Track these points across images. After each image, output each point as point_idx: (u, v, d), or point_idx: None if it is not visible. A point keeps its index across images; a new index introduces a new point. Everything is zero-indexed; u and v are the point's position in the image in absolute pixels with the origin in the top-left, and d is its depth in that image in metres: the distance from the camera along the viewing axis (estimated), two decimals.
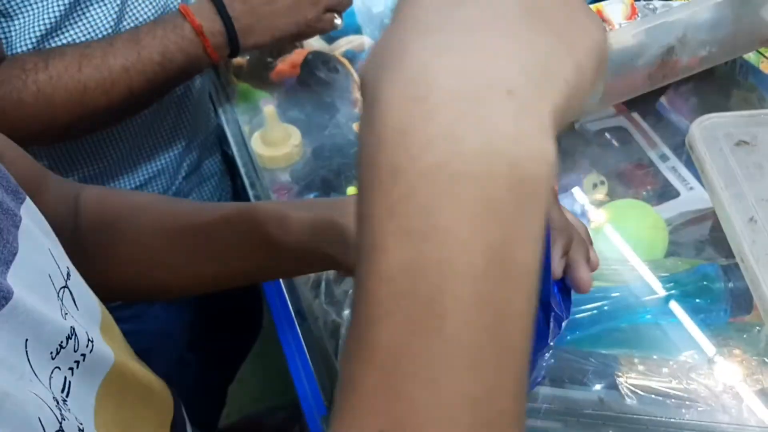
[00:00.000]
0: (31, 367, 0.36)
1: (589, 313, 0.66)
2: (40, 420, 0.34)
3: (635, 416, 0.61)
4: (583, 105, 0.30)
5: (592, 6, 0.79)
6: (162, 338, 1.01)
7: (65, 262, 0.44)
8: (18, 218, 0.40)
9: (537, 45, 0.27)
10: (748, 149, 0.71)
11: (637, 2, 0.80)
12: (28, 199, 0.43)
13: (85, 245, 0.59)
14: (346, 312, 0.75)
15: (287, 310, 0.80)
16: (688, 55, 0.82)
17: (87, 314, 0.45)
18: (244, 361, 1.37)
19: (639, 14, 0.79)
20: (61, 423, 0.35)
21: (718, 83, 0.94)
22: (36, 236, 0.41)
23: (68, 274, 0.44)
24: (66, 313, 0.41)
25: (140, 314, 1.02)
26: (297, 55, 1.06)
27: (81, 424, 0.38)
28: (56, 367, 0.38)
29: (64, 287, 0.42)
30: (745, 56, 0.92)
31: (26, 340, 0.36)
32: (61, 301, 0.42)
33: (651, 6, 0.80)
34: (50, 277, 0.41)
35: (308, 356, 0.74)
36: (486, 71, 0.26)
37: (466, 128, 0.25)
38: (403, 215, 0.25)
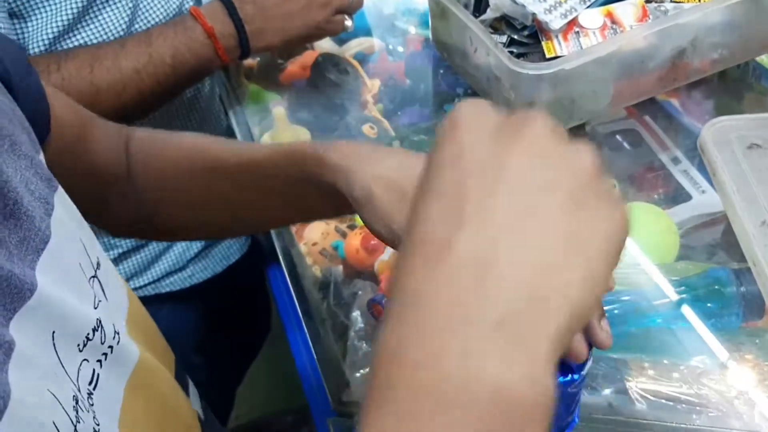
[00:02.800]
0: (59, 359, 0.36)
1: None
2: (54, 424, 0.33)
3: (645, 421, 0.60)
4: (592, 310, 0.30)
5: (603, 8, 0.79)
6: (170, 342, 1.01)
7: (96, 251, 0.44)
8: (51, 206, 0.40)
9: (535, 261, 0.28)
10: (761, 152, 0.70)
11: (648, 4, 0.80)
12: (60, 188, 0.43)
13: (138, 189, 0.61)
14: (354, 314, 0.75)
15: (295, 311, 0.80)
16: (699, 58, 0.81)
17: (115, 305, 0.45)
18: (253, 362, 1.37)
19: (650, 16, 0.79)
20: (75, 426, 0.35)
21: (731, 86, 0.94)
22: (68, 225, 0.42)
23: (98, 264, 0.44)
24: (99, 302, 0.42)
25: None
26: (307, 57, 1.06)
27: (98, 425, 0.38)
28: (84, 359, 0.38)
29: (93, 277, 0.43)
30: (758, 59, 0.91)
31: (53, 332, 0.36)
32: (93, 289, 0.42)
33: (662, 8, 0.80)
34: (81, 266, 0.41)
35: (316, 358, 0.74)
36: (476, 304, 0.27)
37: (450, 357, 0.27)
38: None
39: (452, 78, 0.99)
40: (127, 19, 0.86)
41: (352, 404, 0.65)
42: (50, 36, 0.82)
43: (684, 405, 0.62)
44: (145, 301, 1.05)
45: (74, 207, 0.45)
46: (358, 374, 0.70)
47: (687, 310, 0.67)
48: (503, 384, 0.27)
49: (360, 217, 0.51)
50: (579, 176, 0.30)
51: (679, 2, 0.81)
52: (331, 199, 0.53)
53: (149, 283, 1.01)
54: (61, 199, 0.42)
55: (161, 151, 0.63)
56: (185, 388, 0.55)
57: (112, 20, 0.85)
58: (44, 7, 0.81)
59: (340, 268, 0.82)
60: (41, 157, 0.43)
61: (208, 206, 0.62)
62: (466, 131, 0.31)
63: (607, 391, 0.62)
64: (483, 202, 0.29)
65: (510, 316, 0.27)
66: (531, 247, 0.28)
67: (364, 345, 0.73)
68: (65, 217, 0.42)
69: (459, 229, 0.28)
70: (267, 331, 1.36)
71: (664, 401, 0.62)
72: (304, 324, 0.76)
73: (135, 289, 1.00)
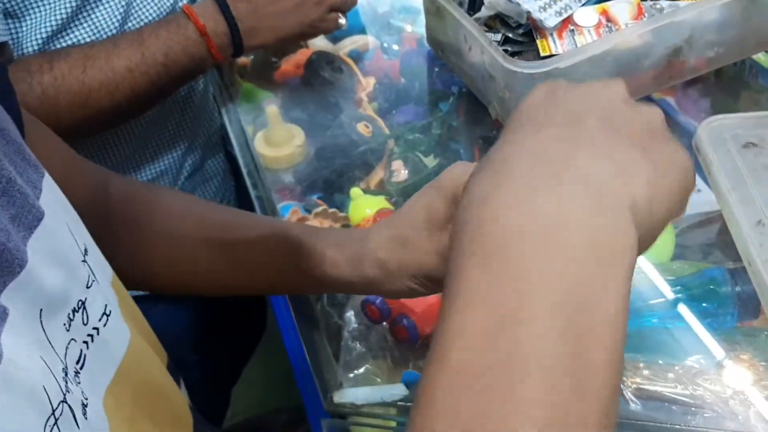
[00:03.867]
0: (46, 336, 0.36)
1: None
2: (44, 388, 0.34)
3: (639, 422, 0.60)
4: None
5: (598, 6, 0.78)
6: (164, 341, 1.00)
7: (83, 239, 0.44)
8: (39, 190, 0.41)
9: (622, 153, 0.32)
10: (756, 151, 0.70)
11: (643, 2, 0.80)
12: (47, 174, 0.43)
13: (117, 236, 0.60)
14: (348, 314, 0.74)
15: (289, 311, 0.80)
16: (695, 56, 0.81)
17: (106, 289, 0.45)
18: (248, 362, 1.37)
19: (645, 14, 0.79)
20: (65, 394, 0.35)
21: (727, 84, 0.93)
22: (55, 209, 0.42)
23: (86, 251, 0.44)
24: (93, 281, 0.42)
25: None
26: (301, 55, 1.06)
27: (86, 399, 0.38)
28: (72, 339, 0.38)
29: (83, 261, 0.43)
30: (755, 57, 0.91)
31: (41, 309, 0.36)
32: (87, 269, 0.42)
33: (658, 6, 0.79)
34: (69, 249, 0.42)
35: (312, 359, 0.73)
36: (567, 162, 0.31)
37: (543, 201, 0.29)
38: (488, 261, 0.28)
39: (447, 76, 0.99)
40: (120, 17, 0.86)
41: (344, 405, 0.65)
42: (44, 35, 0.82)
43: (679, 405, 0.62)
44: (139, 300, 1.05)
45: (61, 193, 0.45)
46: (351, 375, 0.70)
47: (682, 310, 0.67)
48: (595, 226, 0.29)
49: (384, 291, 0.54)
50: (652, 124, 0.34)
51: (675, 0, 0.80)
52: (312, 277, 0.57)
53: None
54: (49, 185, 0.43)
55: (146, 210, 0.62)
56: (177, 384, 0.55)
57: (105, 19, 0.85)
58: (38, 6, 0.80)
59: None
60: (24, 143, 0.43)
61: (189, 274, 0.62)
62: (557, 88, 0.36)
63: None
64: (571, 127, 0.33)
65: (595, 179, 0.30)
66: (612, 155, 0.31)
67: (358, 345, 0.72)
68: (53, 202, 0.42)
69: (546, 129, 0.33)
70: (262, 330, 1.36)
71: (659, 402, 0.62)
72: (297, 324, 0.76)
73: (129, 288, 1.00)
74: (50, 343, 0.36)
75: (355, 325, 0.74)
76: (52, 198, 0.42)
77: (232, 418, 1.47)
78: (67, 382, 0.36)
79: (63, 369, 0.36)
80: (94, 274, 0.44)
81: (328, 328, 0.75)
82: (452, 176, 0.50)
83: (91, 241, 0.46)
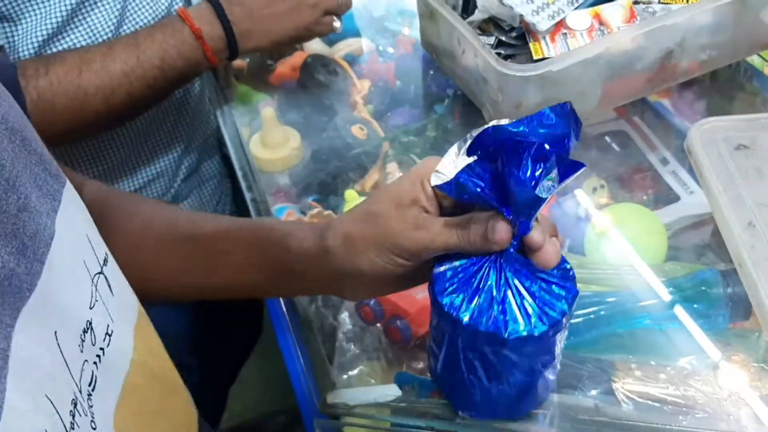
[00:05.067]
0: (64, 358, 0.36)
1: (585, 318, 0.66)
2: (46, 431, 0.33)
3: (631, 423, 0.60)
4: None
5: (590, 9, 0.79)
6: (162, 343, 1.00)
7: (103, 249, 0.44)
8: (58, 202, 0.41)
9: None
10: (748, 153, 0.70)
11: (636, 5, 0.80)
12: (68, 183, 0.43)
13: None
14: (342, 315, 0.74)
15: (285, 313, 0.80)
16: (687, 59, 0.81)
17: (122, 303, 0.45)
18: (245, 364, 1.37)
19: (638, 18, 0.79)
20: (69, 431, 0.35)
21: (722, 86, 0.94)
22: (75, 220, 0.42)
23: (105, 260, 0.44)
24: (96, 301, 0.42)
25: None
26: (297, 58, 1.06)
27: (94, 424, 0.38)
28: (85, 360, 0.39)
29: (99, 273, 0.43)
30: (749, 60, 0.91)
31: (55, 332, 0.36)
32: (96, 287, 0.42)
33: (650, 9, 0.80)
34: (85, 263, 0.41)
35: (306, 361, 0.74)
36: None
37: None
38: None
39: (442, 79, 0.99)
40: (115, 20, 0.86)
41: (338, 406, 0.65)
42: (40, 39, 0.82)
43: (671, 406, 0.62)
44: None
45: (82, 203, 0.45)
46: (345, 376, 0.70)
47: (674, 311, 0.67)
48: None
49: (342, 265, 0.52)
50: None
51: (667, 3, 0.81)
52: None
53: None
54: (69, 195, 0.42)
55: (116, 212, 0.62)
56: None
57: (100, 22, 0.85)
58: (33, 9, 0.81)
59: None
60: (47, 150, 0.43)
61: (158, 275, 0.61)
62: None
63: (593, 392, 0.62)
64: None
65: None
66: None
67: (352, 346, 0.73)
68: (73, 213, 0.42)
69: None
70: (259, 332, 1.36)
71: (650, 402, 0.62)
72: (293, 326, 0.76)
73: None
74: (68, 365, 0.36)
75: (350, 327, 0.74)
76: (72, 209, 0.42)
77: (229, 420, 1.47)
78: (74, 416, 0.36)
79: (73, 400, 0.36)
80: (110, 288, 0.43)
81: (323, 330, 0.75)
82: (430, 163, 0.50)
83: (110, 252, 0.46)
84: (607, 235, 0.75)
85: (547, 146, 0.42)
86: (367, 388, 0.67)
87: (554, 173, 0.43)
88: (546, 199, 0.44)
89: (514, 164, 0.43)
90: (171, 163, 1.01)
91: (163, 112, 0.98)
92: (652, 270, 0.71)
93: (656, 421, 0.61)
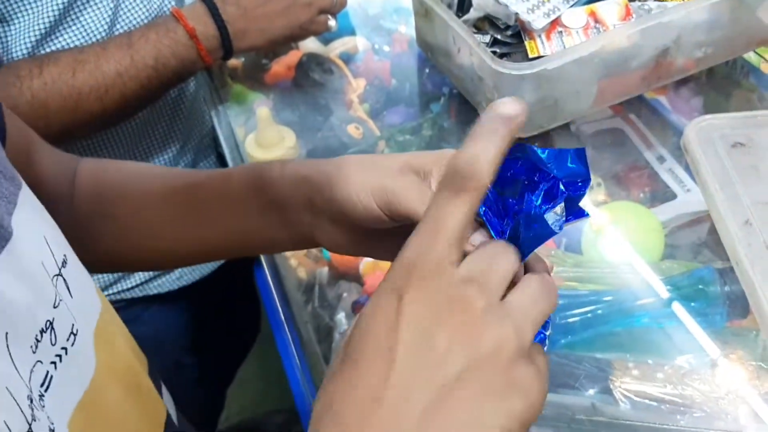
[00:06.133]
0: (12, 360, 0.35)
1: (582, 317, 0.66)
2: (5, 423, 0.33)
3: (629, 422, 0.60)
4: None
5: (586, 7, 0.78)
6: (159, 342, 1.00)
7: (62, 250, 0.44)
8: (13, 205, 0.40)
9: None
10: (744, 151, 0.70)
11: (631, 3, 0.80)
12: (25, 185, 0.43)
13: (81, 218, 0.59)
14: (339, 316, 0.74)
15: (281, 312, 0.80)
16: (683, 57, 0.81)
17: (82, 304, 0.44)
18: (243, 364, 1.37)
19: (633, 15, 0.79)
20: (30, 424, 0.35)
21: (719, 83, 0.94)
22: (32, 222, 0.41)
23: (64, 262, 0.43)
24: (60, 300, 0.41)
25: (136, 318, 1.02)
26: (292, 57, 1.06)
27: (52, 424, 0.37)
28: (38, 361, 0.38)
29: (57, 275, 0.42)
30: (746, 56, 0.91)
31: (6, 333, 0.35)
32: (56, 287, 0.41)
33: (646, 7, 0.80)
34: (43, 264, 0.41)
35: (303, 360, 0.73)
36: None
37: None
38: None
39: (438, 78, 0.99)
40: (108, 19, 0.86)
41: None
42: (33, 39, 0.81)
43: (668, 405, 0.62)
44: (133, 302, 1.05)
45: (40, 204, 0.44)
46: None
47: (671, 310, 0.67)
48: None
49: (333, 196, 0.48)
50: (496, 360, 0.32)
51: (663, 0, 0.81)
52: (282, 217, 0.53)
53: (136, 285, 1.01)
54: (26, 197, 0.42)
55: (105, 178, 0.61)
56: (158, 390, 0.54)
57: (93, 21, 0.85)
58: (26, 9, 0.80)
59: (326, 269, 0.82)
60: (3, 154, 0.43)
61: (152, 234, 0.60)
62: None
63: (590, 392, 0.62)
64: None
65: None
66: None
67: None
68: (30, 214, 0.41)
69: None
70: (256, 331, 1.36)
71: (648, 401, 0.62)
72: (285, 326, 0.76)
73: (122, 291, 1.00)
74: (16, 367, 0.36)
75: (346, 327, 0.74)
76: (28, 210, 0.42)
77: (227, 420, 1.47)
78: (33, 410, 0.36)
79: (28, 396, 0.36)
80: (69, 290, 0.43)
81: (319, 330, 0.75)
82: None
83: (70, 250, 0.45)
84: (604, 234, 0.75)
85: (562, 187, 0.39)
86: None
87: (562, 212, 0.40)
88: (551, 236, 0.39)
89: (530, 189, 0.39)
90: (167, 164, 1.01)
91: (158, 113, 0.98)
92: (649, 268, 0.71)
93: (654, 420, 0.60)
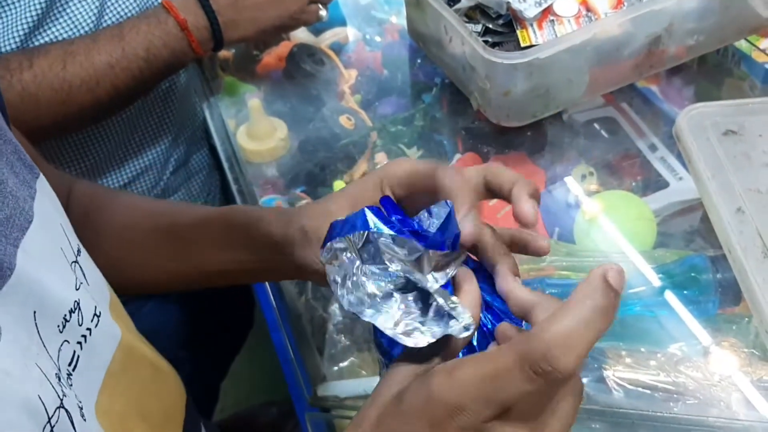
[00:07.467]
0: (41, 337, 0.36)
1: None
2: (40, 398, 0.34)
3: (622, 410, 0.60)
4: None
5: None
6: (154, 337, 1.00)
7: (75, 240, 0.45)
8: (33, 191, 0.41)
9: None
10: (736, 138, 0.70)
11: None
12: (42, 175, 0.44)
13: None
14: (333, 307, 0.74)
15: (275, 306, 0.80)
16: (675, 45, 0.81)
17: (97, 290, 0.46)
18: (237, 357, 1.37)
19: (625, 3, 0.79)
20: (62, 399, 0.36)
21: (711, 72, 0.94)
22: (49, 210, 0.42)
23: (78, 251, 0.45)
24: (81, 283, 0.42)
25: (132, 314, 1.01)
26: (283, 48, 1.05)
27: (80, 402, 0.38)
28: (65, 341, 0.39)
29: (75, 262, 0.43)
30: (737, 44, 0.91)
31: (34, 312, 0.37)
32: (75, 273, 0.43)
33: None
34: (62, 250, 0.42)
35: (297, 352, 0.73)
36: None
37: None
38: None
39: (430, 68, 0.99)
40: (96, 11, 0.85)
41: (328, 398, 0.65)
42: (21, 33, 0.81)
43: (661, 393, 0.62)
44: (128, 300, 1.04)
45: (54, 195, 0.45)
46: (336, 368, 0.70)
47: (664, 298, 0.67)
48: None
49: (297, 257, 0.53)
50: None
51: None
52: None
53: None
54: (43, 187, 0.43)
55: (102, 209, 0.63)
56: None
57: (80, 13, 0.84)
58: (12, 2, 0.80)
59: None
60: (21, 146, 0.44)
61: (137, 264, 0.62)
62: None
63: (584, 380, 0.62)
64: None
65: None
66: None
67: (343, 338, 0.72)
68: (47, 203, 0.43)
69: None
70: (250, 325, 1.36)
71: (641, 389, 0.62)
72: (279, 318, 0.76)
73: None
74: (44, 345, 0.37)
75: (340, 319, 0.74)
76: (46, 199, 0.43)
77: (222, 412, 1.47)
78: (62, 387, 0.37)
79: (56, 374, 0.37)
80: (85, 276, 0.44)
81: (313, 322, 0.75)
82: (392, 167, 0.50)
83: (81, 243, 0.46)
84: (596, 222, 0.75)
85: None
86: (356, 380, 0.67)
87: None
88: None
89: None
90: (159, 156, 1.00)
91: (149, 105, 0.97)
92: (641, 256, 0.71)
93: (647, 408, 0.61)
